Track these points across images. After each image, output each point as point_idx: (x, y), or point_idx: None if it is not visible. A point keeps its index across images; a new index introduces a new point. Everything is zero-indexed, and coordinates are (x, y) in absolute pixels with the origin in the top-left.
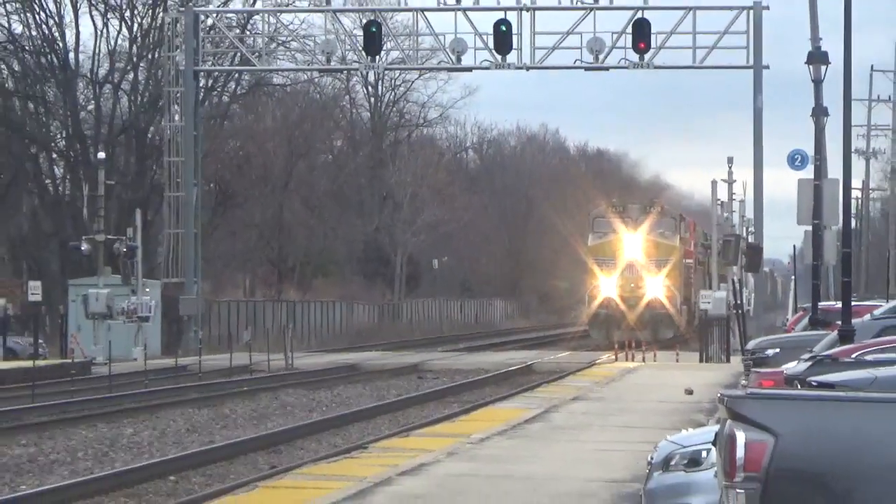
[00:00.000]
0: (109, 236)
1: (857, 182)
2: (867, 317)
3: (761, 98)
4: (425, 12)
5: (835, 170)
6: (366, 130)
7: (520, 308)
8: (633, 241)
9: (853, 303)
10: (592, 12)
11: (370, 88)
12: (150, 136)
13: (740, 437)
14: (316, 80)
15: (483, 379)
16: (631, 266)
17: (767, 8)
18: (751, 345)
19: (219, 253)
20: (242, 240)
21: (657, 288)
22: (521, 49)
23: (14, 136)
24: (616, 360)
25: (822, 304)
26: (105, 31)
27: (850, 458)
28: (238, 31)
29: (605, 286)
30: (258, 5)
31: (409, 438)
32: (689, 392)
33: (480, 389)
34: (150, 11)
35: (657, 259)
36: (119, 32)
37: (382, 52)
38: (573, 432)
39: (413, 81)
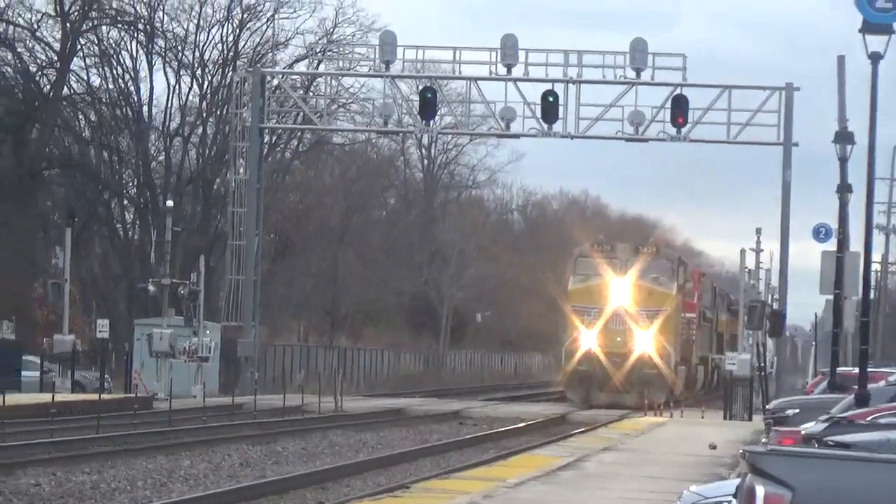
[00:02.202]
0: (174, 280)
1: (877, 255)
2: (882, 382)
3: (790, 173)
4: (478, 81)
5: (856, 243)
6: (418, 189)
7: (557, 362)
8: (620, 287)
9: (870, 369)
10: (634, 87)
11: (424, 150)
12: (215, 186)
13: (759, 490)
14: (373, 140)
15: (520, 427)
16: (617, 316)
17: (798, 89)
18: (772, 405)
19: (276, 299)
20: (299, 288)
21: (647, 343)
22: (566, 118)
23: (89, 183)
24: (645, 414)
25: (840, 368)
26: (177, 87)
27: None
28: (302, 91)
29: (586, 339)
30: (321, 69)
31: (448, 480)
32: (713, 447)
33: (517, 437)
34: (220, 70)
35: (649, 309)
36: (190, 89)
37: (437, 117)
38: (603, 480)
39: (464, 145)
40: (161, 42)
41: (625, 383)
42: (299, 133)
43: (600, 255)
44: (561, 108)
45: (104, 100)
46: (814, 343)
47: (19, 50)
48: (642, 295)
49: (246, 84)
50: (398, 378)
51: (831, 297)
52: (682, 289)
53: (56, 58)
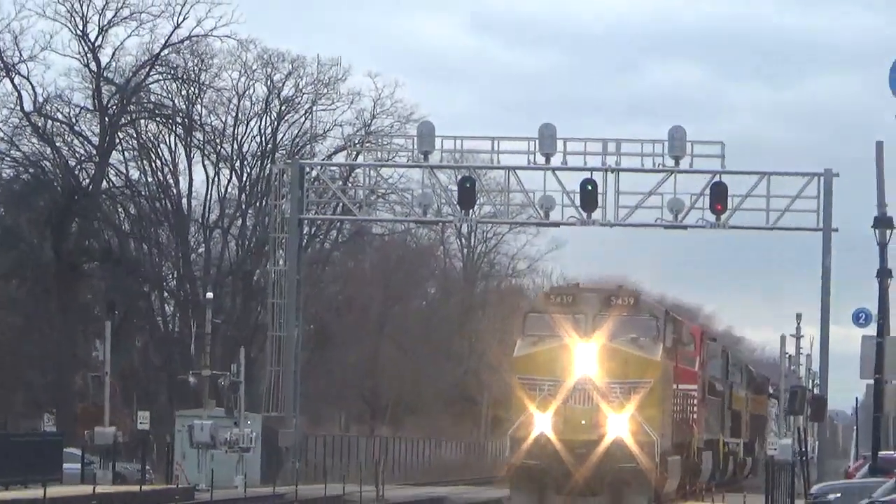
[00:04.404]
0: (215, 371)
1: None
2: None
3: (829, 258)
4: (517, 171)
5: None
6: (458, 278)
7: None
8: (585, 352)
9: None
10: (673, 175)
11: (463, 240)
12: (255, 278)
13: None
14: (412, 230)
15: None
16: (581, 391)
17: (838, 175)
18: (815, 489)
19: (316, 390)
20: (339, 378)
21: (622, 427)
22: (605, 207)
23: (129, 276)
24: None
25: (882, 453)
26: (216, 179)
27: None
28: (340, 182)
29: (539, 423)
30: (360, 160)
31: None
32: None
33: None
34: (259, 162)
35: (625, 381)
36: (229, 181)
37: (476, 206)
38: None
39: (504, 234)
40: (199, 135)
41: (591, 482)
42: (338, 224)
43: (558, 308)
44: (600, 197)
45: (143, 193)
46: (855, 427)
47: (58, 144)
48: (615, 362)
49: (284, 176)
50: (439, 467)
51: (872, 381)
52: (672, 353)
53: (95, 151)
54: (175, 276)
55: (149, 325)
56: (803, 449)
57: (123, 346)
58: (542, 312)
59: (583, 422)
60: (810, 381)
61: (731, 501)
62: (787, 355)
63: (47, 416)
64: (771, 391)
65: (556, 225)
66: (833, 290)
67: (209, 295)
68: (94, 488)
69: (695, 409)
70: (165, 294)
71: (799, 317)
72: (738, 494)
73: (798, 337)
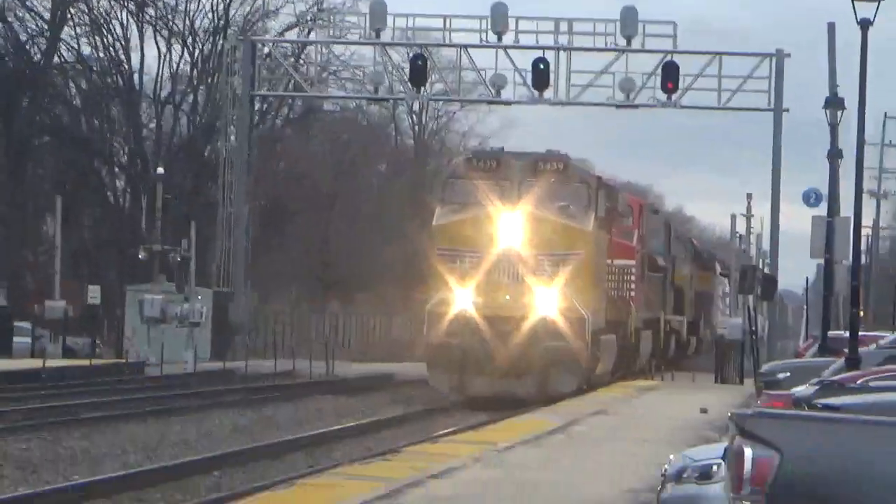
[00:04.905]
0: (165, 247)
1: (867, 220)
2: (873, 346)
3: (780, 139)
4: (468, 49)
5: (847, 208)
6: (409, 156)
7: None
8: (510, 222)
9: (860, 333)
10: (625, 54)
11: (414, 117)
12: (206, 154)
13: (748, 452)
14: (364, 108)
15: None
16: (506, 264)
17: (789, 55)
18: (764, 368)
19: (267, 266)
20: (290, 255)
21: (550, 303)
22: (557, 86)
23: (80, 151)
24: (637, 378)
25: (831, 332)
26: (168, 55)
27: (851, 477)
28: (292, 59)
29: (459, 298)
30: (312, 36)
31: (438, 445)
32: (704, 411)
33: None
34: (211, 38)
35: (553, 253)
36: (181, 57)
37: (427, 84)
38: (593, 444)
39: (455, 112)
40: (151, 11)
41: (516, 363)
42: (290, 101)
43: (481, 174)
44: (552, 76)
45: (95, 68)
46: (805, 307)
47: (9, 19)
48: (543, 232)
49: (236, 52)
50: (390, 342)
51: (822, 261)
52: (605, 223)
53: (46, 27)
54: (126, 151)
55: (99, 201)
56: (753, 328)
57: (74, 222)
58: (464, 178)
59: (507, 297)
60: (761, 260)
61: (679, 378)
62: (737, 235)
63: None
64: (721, 271)
65: (508, 103)
66: (784, 172)
67: (160, 170)
68: (43, 362)
69: (632, 285)
70: (116, 169)
71: (749, 196)
72: (687, 373)
73: (749, 216)
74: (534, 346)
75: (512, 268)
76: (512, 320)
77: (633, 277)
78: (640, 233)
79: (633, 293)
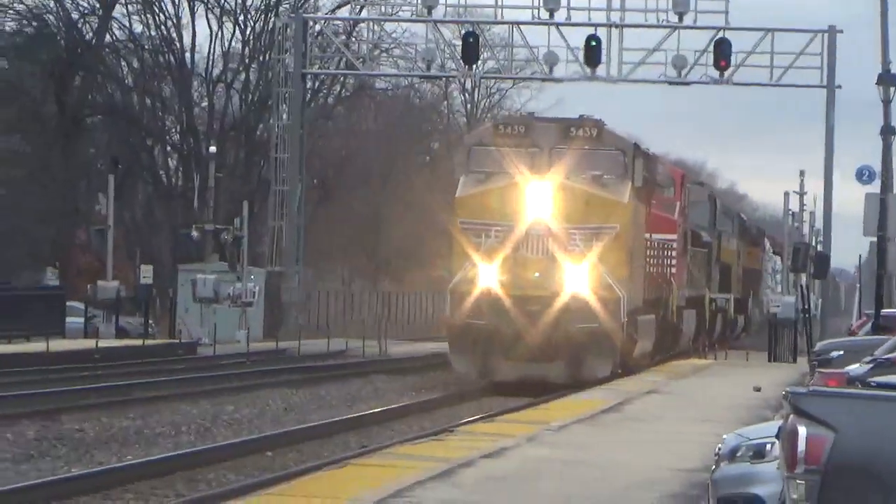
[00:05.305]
0: (218, 226)
1: None
2: None
3: (833, 115)
4: (520, 26)
5: None
6: (461, 134)
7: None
8: (539, 192)
9: None
10: (677, 31)
11: (466, 95)
12: (258, 132)
13: (802, 431)
14: (416, 85)
15: None
16: (535, 238)
17: (841, 31)
18: (817, 347)
19: (319, 245)
20: (342, 233)
21: (581, 280)
22: (609, 63)
23: (132, 129)
24: (689, 357)
25: (884, 311)
26: (220, 33)
27: None
28: (344, 37)
29: (484, 275)
30: (364, 14)
31: (492, 424)
32: (758, 389)
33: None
34: (263, 16)
35: (586, 226)
36: (233, 35)
37: (479, 62)
38: (646, 423)
39: (507, 90)
40: None
41: (545, 346)
42: (342, 79)
43: (508, 140)
44: (604, 53)
45: (147, 47)
46: (858, 285)
47: None
48: (575, 203)
49: (288, 30)
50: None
51: (875, 238)
52: (643, 194)
53: (98, 5)
54: (178, 129)
55: (152, 179)
56: (806, 306)
57: (126, 201)
58: (490, 146)
59: (535, 274)
60: (814, 238)
61: (732, 356)
62: (790, 212)
63: (50, 271)
64: (774, 248)
65: (560, 80)
66: (837, 148)
67: (212, 149)
68: (96, 342)
69: (673, 261)
70: (168, 148)
71: (802, 174)
72: (740, 351)
73: (801, 194)
74: (564, 327)
75: (541, 243)
76: (541, 299)
77: (674, 253)
78: (681, 205)
79: (674, 270)
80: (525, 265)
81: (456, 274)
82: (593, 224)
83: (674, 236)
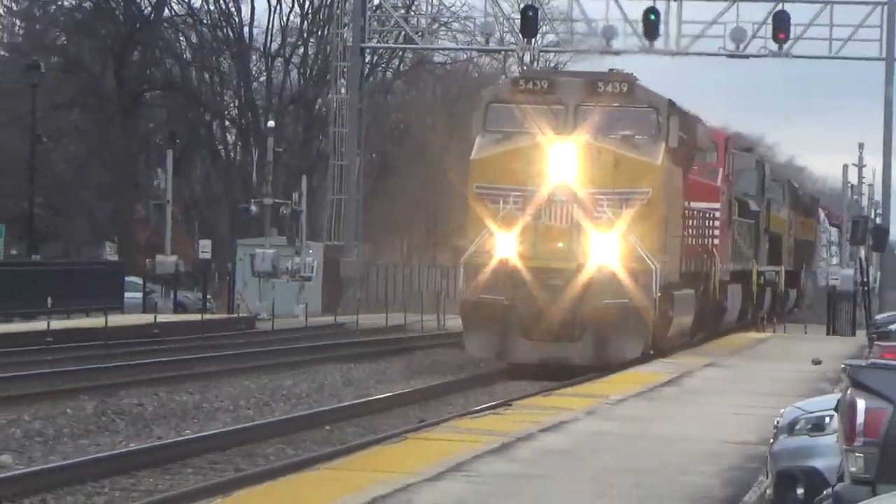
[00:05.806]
0: (276, 200)
1: None
2: None
3: (892, 89)
4: None
5: None
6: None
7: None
8: (563, 153)
9: None
10: (735, 4)
11: (525, 68)
12: (317, 107)
13: (860, 404)
14: (475, 59)
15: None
16: (558, 204)
17: None
18: (876, 320)
19: (378, 219)
20: (400, 207)
21: (610, 252)
22: (667, 36)
23: (190, 104)
24: (748, 330)
25: None
26: (278, 7)
27: None
28: (403, 11)
29: (501, 245)
30: None
31: (551, 398)
32: (817, 362)
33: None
34: None
35: (614, 192)
36: (291, 9)
37: (538, 35)
38: (705, 396)
39: (566, 63)
40: None
41: (569, 323)
42: (400, 53)
43: (530, 97)
44: (662, 26)
45: (205, 21)
46: None
47: None
48: (602, 166)
49: (347, 4)
50: None
51: None
52: (679, 157)
53: None
54: (236, 104)
55: (210, 154)
56: (865, 279)
57: (185, 175)
58: (509, 103)
59: (559, 244)
60: (873, 210)
61: (791, 329)
62: (849, 185)
63: (109, 245)
64: (830, 221)
65: (618, 53)
66: None
67: (271, 123)
68: (155, 317)
69: (716, 231)
70: (227, 123)
71: (861, 147)
72: (799, 325)
73: (860, 167)
74: (590, 303)
75: (564, 209)
76: (564, 272)
77: (716, 223)
78: (725, 172)
79: (717, 241)
80: (547, 234)
81: (470, 244)
82: (623, 189)
83: (716, 205)
